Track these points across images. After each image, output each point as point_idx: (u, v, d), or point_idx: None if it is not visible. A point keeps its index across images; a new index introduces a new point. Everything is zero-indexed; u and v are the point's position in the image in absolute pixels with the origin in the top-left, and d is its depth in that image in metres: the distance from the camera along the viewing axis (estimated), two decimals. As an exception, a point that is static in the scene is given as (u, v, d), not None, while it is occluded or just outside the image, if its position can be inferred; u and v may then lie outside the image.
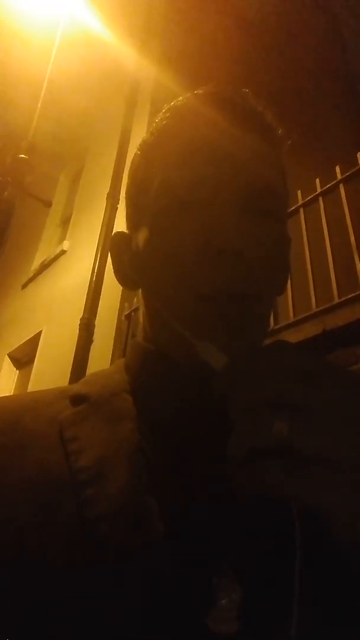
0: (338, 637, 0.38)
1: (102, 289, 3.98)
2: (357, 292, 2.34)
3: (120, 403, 0.51)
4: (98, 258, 4.06)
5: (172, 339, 0.49)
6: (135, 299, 3.33)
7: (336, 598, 0.39)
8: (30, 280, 6.11)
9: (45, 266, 5.81)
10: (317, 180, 2.94)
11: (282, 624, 0.36)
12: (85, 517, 0.41)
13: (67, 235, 5.70)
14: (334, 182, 2.85)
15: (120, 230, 0.61)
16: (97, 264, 4.04)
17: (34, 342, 5.09)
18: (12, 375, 5.72)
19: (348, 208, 2.69)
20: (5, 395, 0.60)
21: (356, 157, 2.76)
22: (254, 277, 0.47)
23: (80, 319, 3.87)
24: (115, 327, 3.68)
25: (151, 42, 4.96)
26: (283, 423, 0.32)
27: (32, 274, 6.10)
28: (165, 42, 4.95)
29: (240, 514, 0.42)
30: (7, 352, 5.71)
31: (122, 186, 0.58)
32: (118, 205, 4.20)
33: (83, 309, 3.91)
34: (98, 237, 4.20)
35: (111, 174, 4.48)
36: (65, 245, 5.44)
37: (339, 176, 2.84)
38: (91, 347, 3.75)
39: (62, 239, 5.89)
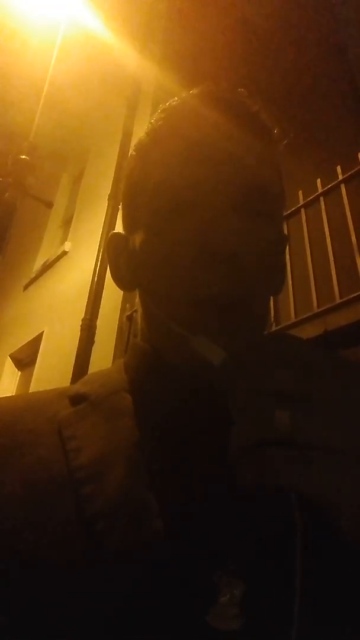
0: (340, 632, 0.38)
1: (104, 290, 3.98)
2: (359, 292, 2.34)
3: (120, 402, 0.51)
4: (100, 259, 4.06)
5: (168, 338, 0.50)
6: (136, 300, 3.33)
7: (339, 592, 0.39)
8: (32, 281, 6.12)
9: (46, 267, 5.82)
10: (318, 181, 2.94)
11: (284, 620, 0.36)
12: (84, 514, 0.41)
13: (69, 236, 5.71)
14: (335, 182, 2.85)
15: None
16: (98, 265, 4.04)
17: (35, 343, 5.09)
18: (13, 376, 5.72)
19: (349, 208, 2.69)
20: (5, 396, 0.60)
21: (357, 156, 2.76)
22: (249, 279, 0.48)
23: (82, 320, 3.87)
24: (116, 328, 3.68)
25: (152, 43, 4.97)
26: (286, 413, 0.32)
27: (33, 275, 6.11)
28: (166, 43, 4.96)
29: (241, 510, 0.42)
30: (9, 353, 5.72)
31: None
32: (119, 206, 4.19)
33: (84, 309, 3.90)
34: (100, 238, 4.20)
35: (113, 175, 4.49)
36: (67, 246, 5.45)
37: (340, 176, 2.84)
38: (93, 348, 3.75)
39: (63, 240, 5.90)
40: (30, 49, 5.50)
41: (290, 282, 2.65)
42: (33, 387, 4.63)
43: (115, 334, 3.65)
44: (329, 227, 2.77)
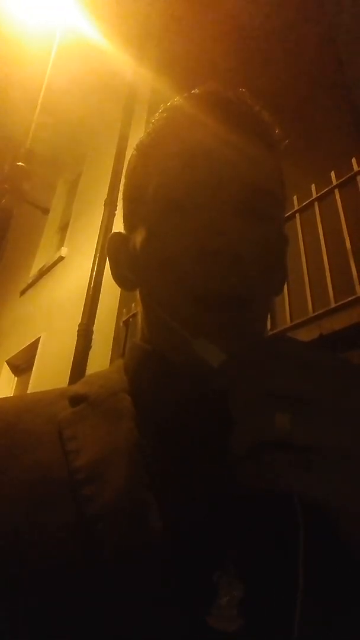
0: (342, 634, 0.38)
1: (100, 295, 3.98)
2: (353, 297, 2.34)
3: (119, 402, 0.51)
4: (96, 264, 4.06)
5: (169, 338, 0.50)
6: (133, 305, 3.33)
7: (340, 594, 0.39)
8: (29, 286, 6.11)
9: (43, 273, 5.80)
10: (313, 186, 2.95)
11: (285, 620, 0.35)
12: (84, 515, 0.41)
13: (65, 241, 5.70)
14: (330, 187, 2.85)
15: None
16: (95, 270, 4.04)
17: (32, 348, 5.08)
18: (10, 382, 5.70)
19: (343, 213, 2.69)
20: (4, 397, 0.60)
21: (351, 162, 2.77)
22: (251, 279, 0.48)
23: (79, 325, 3.87)
24: (113, 333, 3.68)
25: (148, 49, 4.99)
26: (286, 415, 0.31)
27: (30, 281, 6.09)
28: (162, 49, 4.98)
29: (241, 511, 0.41)
30: (6, 358, 5.69)
31: (120, 193, 0.59)
32: (116, 212, 4.20)
33: (81, 315, 3.91)
34: (96, 243, 4.20)
35: (109, 181, 4.49)
36: (64, 251, 5.44)
37: (334, 182, 2.84)
38: (89, 353, 3.75)
39: (60, 245, 5.89)
40: (27, 56, 5.50)
41: (285, 286, 2.65)
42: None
43: (112, 339, 3.65)
44: (323, 231, 2.77)
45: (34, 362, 4.89)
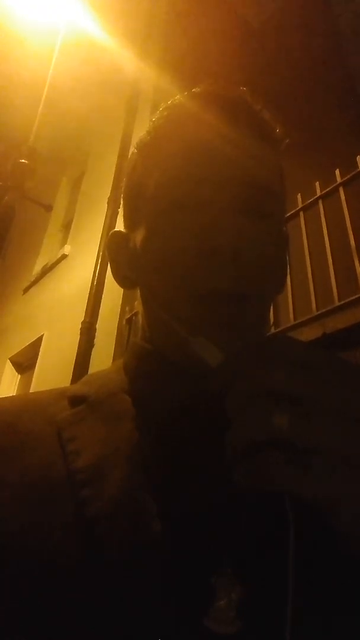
0: (335, 635, 0.38)
1: (103, 293, 3.98)
2: (357, 295, 2.34)
3: (119, 403, 0.51)
4: (99, 262, 4.07)
5: (169, 337, 0.50)
6: (135, 303, 3.33)
7: (333, 596, 0.39)
8: (32, 284, 6.12)
9: (46, 270, 5.81)
10: (317, 184, 2.95)
11: (281, 624, 0.35)
12: (83, 517, 0.41)
13: (68, 239, 5.71)
14: (334, 185, 2.85)
15: None
16: (98, 268, 4.04)
17: (35, 346, 5.09)
18: (13, 380, 5.71)
19: (348, 211, 2.69)
20: (3, 397, 0.60)
21: (356, 160, 2.76)
22: (251, 277, 0.48)
23: (82, 323, 3.87)
24: (116, 331, 3.68)
25: (151, 46, 4.98)
26: (283, 415, 0.31)
27: (33, 279, 6.10)
28: (166, 46, 4.97)
29: (239, 512, 0.41)
30: (9, 356, 5.71)
31: (123, 191, 0.59)
32: (119, 210, 4.18)
33: (84, 313, 3.91)
34: (99, 241, 4.21)
35: (112, 178, 4.49)
36: (67, 249, 5.45)
37: (338, 179, 2.84)
38: (92, 351, 3.75)
39: (63, 243, 5.90)
40: (30, 53, 5.52)
41: (289, 285, 2.65)
42: (33, 391, 4.62)
43: (114, 337, 3.65)
44: (327, 230, 2.77)
45: (36, 360, 4.90)
